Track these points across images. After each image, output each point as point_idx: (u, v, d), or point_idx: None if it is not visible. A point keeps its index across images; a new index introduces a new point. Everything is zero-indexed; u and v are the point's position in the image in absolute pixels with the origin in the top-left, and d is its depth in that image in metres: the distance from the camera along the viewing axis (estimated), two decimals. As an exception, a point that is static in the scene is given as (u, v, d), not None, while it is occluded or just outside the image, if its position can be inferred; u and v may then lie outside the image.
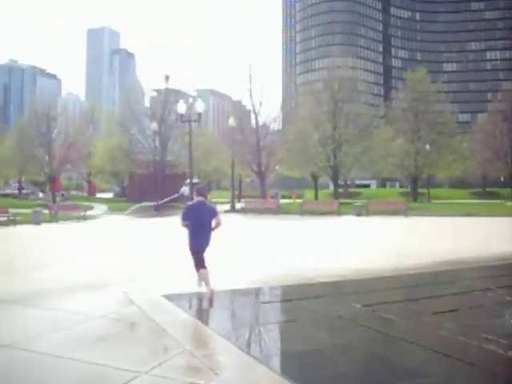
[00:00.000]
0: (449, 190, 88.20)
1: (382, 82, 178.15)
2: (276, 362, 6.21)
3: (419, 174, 64.16)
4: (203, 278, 9.30)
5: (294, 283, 10.85)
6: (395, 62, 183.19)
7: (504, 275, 11.98)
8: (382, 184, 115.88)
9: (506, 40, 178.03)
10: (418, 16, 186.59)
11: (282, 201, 55.35)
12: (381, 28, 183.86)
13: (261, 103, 53.62)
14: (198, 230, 9.48)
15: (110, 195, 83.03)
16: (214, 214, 9.76)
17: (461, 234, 22.73)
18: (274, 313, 8.74)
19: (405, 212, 36.59)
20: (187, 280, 10.41)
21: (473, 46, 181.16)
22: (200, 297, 9.43)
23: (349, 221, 33.45)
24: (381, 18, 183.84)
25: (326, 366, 5.89)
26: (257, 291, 10.28)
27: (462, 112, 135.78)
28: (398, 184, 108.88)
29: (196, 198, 9.84)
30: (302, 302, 9.07)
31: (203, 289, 9.24)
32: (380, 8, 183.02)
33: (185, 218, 9.63)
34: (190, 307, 9.17)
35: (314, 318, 8.06)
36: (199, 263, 9.38)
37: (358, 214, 36.96)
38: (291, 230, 27.35)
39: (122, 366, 5.59)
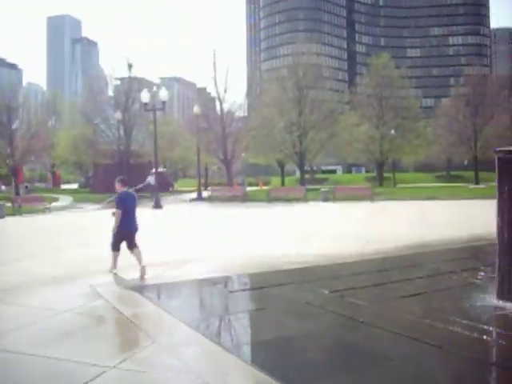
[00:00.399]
0: (414, 174, 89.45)
1: (346, 67, 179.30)
2: (245, 350, 6.21)
3: (384, 158, 64.87)
4: (115, 257, 10.74)
5: (261, 271, 10.85)
6: (359, 48, 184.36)
7: (468, 258, 12.16)
8: (348, 169, 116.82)
9: (468, 25, 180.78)
10: (381, 1, 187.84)
11: (249, 188, 55.38)
12: (344, 14, 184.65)
13: (225, 90, 53.41)
14: (131, 215, 10.76)
15: (74, 186, 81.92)
16: (137, 201, 11.21)
17: (426, 218, 23.04)
18: (242, 301, 8.74)
19: (371, 197, 36.94)
20: (153, 271, 10.37)
21: (435, 31, 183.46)
22: (168, 287, 9.41)
23: (316, 207, 33.65)
24: (344, 4, 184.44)
25: (296, 353, 5.90)
26: (224, 280, 10.26)
27: (426, 97, 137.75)
28: (363, 169, 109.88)
29: (122, 188, 11.00)
30: (270, 289, 9.08)
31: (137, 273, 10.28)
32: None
33: (119, 205, 10.66)
34: (158, 298, 9.12)
35: (282, 306, 8.08)
36: (119, 243, 10.71)
37: (325, 200, 37.19)
38: (258, 217, 27.37)
39: (90, 361, 5.52)
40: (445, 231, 16.74)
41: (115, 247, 10.74)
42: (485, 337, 6.09)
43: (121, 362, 5.47)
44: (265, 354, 6.00)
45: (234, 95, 57.28)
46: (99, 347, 6.19)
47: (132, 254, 10.65)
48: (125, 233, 10.61)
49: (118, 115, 49.31)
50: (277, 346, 6.10)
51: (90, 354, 5.80)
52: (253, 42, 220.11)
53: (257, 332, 7.12)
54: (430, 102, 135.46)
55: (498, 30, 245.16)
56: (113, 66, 55.48)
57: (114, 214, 10.68)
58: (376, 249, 13.30)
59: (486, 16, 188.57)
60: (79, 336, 6.64)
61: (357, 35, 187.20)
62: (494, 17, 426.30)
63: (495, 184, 7.70)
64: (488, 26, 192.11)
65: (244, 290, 9.67)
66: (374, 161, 68.09)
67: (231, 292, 9.44)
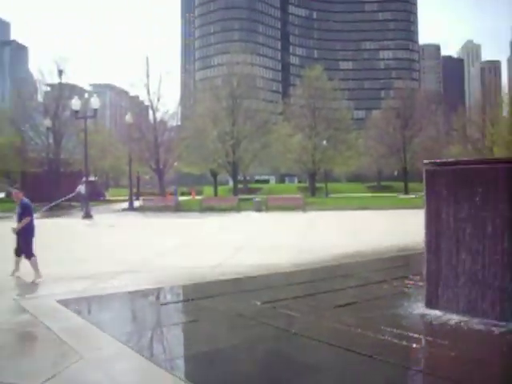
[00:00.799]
0: (346, 184, 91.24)
1: (280, 78, 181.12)
2: (176, 364, 6.07)
3: (317, 169, 65.77)
4: (35, 265, 10.91)
5: (193, 282, 10.76)
6: (293, 60, 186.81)
7: (398, 266, 12.41)
8: (281, 179, 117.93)
9: (398, 40, 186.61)
10: (315, 15, 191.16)
11: (182, 198, 55.00)
12: (279, 26, 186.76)
13: (159, 99, 53.07)
14: (33, 222, 11.42)
15: (1, 195, 79.15)
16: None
17: (357, 228, 23.44)
18: (174, 314, 8.59)
19: (303, 207, 37.31)
20: (81, 283, 10.08)
21: (367, 45, 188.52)
22: (97, 300, 9.16)
23: (248, 217, 33.68)
24: (279, 16, 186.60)
25: (228, 365, 5.84)
26: (156, 292, 10.09)
27: (358, 109, 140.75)
28: (296, 179, 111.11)
29: (22, 197, 11.44)
30: (201, 301, 8.98)
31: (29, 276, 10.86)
32: (278, 6, 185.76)
33: (28, 213, 11.26)
34: (88, 311, 8.85)
35: (214, 318, 8.00)
36: (32, 249, 11.11)
37: (258, 210, 37.28)
38: (190, 227, 27.16)
39: (12, 381, 5.25)
40: (376, 241, 17.05)
41: (31, 253, 11.05)
42: (413, 345, 6.20)
43: (46, 381, 5.24)
44: (196, 368, 5.92)
45: (167, 104, 56.95)
46: (23, 365, 5.91)
47: (17, 258, 11.35)
48: (32, 237, 11.27)
49: (48, 122, 47.95)
50: (209, 359, 6.02)
51: (13, 373, 5.53)
52: (187, 50, 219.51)
53: (188, 345, 7.01)
54: (361, 113, 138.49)
55: (425, 46, 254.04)
56: (42, 71, 53.65)
57: (14, 230, 11.14)
58: (308, 259, 13.41)
59: (415, 32, 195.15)
60: (3, 354, 6.33)
61: (291, 47, 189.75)
62: (422, 33, 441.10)
63: (423, 194, 7.90)
64: (417, 42, 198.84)
65: (175, 302, 9.55)
66: (306, 171, 68.94)
67: (163, 304, 9.30)
